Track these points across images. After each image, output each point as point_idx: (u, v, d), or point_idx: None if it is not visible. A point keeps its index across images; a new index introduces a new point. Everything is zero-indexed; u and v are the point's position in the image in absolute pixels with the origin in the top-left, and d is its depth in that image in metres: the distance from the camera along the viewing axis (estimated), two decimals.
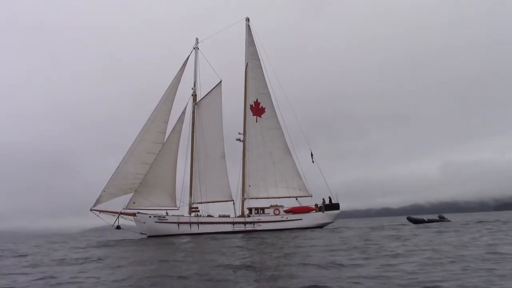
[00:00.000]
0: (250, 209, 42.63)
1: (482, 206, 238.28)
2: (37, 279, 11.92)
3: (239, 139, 44.74)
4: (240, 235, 35.18)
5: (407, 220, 49.94)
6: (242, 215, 42.57)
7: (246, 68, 45.92)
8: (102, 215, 40.52)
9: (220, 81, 45.05)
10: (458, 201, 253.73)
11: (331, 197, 43.60)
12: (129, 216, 40.69)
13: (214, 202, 43.04)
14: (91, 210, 40.27)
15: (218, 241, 26.36)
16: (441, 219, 46.30)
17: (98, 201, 40.51)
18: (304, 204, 43.87)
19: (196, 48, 45.09)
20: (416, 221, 47.29)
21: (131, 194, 41.23)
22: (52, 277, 12.14)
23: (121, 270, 13.24)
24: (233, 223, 41.21)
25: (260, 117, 45.21)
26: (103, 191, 40.59)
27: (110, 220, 40.51)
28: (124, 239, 38.00)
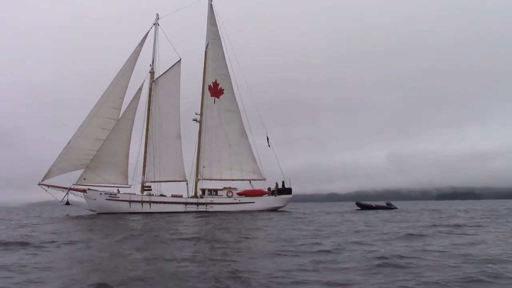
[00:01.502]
0: (203, 190, 42.62)
1: (424, 195, 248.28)
2: None
3: (195, 120, 44.41)
4: (192, 215, 35.24)
5: (356, 205, 51.42)
6: (195, 196, 42.50)
7: (206, 48, 45.38)
8: (50, 190, 39.42)
9: (180, 60, 44.34)
10: (401, 189, 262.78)
11: (284, 181, 44.22)
12: (79, 192, 39.77)
13: (167, 181, 42.77)
14: (39, 184, 39.10)
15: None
16: (389, 205, 47.85)
17: (47, 176, 39.33)
18: (257, 188, 44.31)
19: (156, 24, 44.02)
20: (364, 207, 48.81)
21: (82, 170, 40.23)
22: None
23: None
24: (186, 203, 41.11)
25: (219, 98, 44.95)
26: (53, 165, 39.41)
27: (59, 195, 39.58)
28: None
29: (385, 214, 35.18)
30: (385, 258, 9.98)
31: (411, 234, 15.71)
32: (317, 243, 13.12)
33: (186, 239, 14.88)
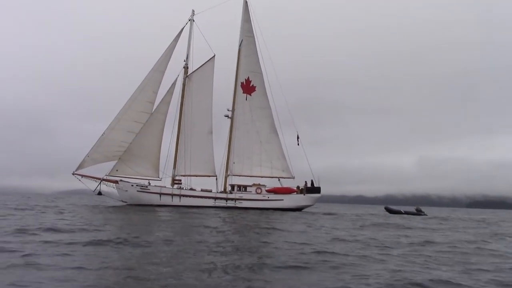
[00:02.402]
0: (232, 186, 42.90)
1: (454, 202, 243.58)
2: None
3: (227, 116, 44.70)
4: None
5: (385, 210, 50.84)
6: (224, 191, 42.80)
7: (240, 45, 45.61)
8: (83, 179, 40.36)
9: (214, 56, 44.59)
10: (431, 195, 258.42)
11: (313, 180, 44.09)
12: (111, 183, 40.57)
13: (197, 176, 43.13)
14: (73, 174, 40.04)
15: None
16: (418, 211, 47.10)
17: (80, 166, 40.27)
18: (286, 186, 44.32)
19: (191, 20, 44.44)
20: (393, 212, 48.19)
21: (115, 162, 41.01)
22: None
23: None
24: (215, 198, 41.42)
25: (250, 95, 45.15)
26: (87, 156, 40.34)
27: (91, 185, 40.45)
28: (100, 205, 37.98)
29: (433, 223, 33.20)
30: None
31: None
32: None
33: None
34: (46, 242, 11.29)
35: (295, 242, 13.23)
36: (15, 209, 27.53)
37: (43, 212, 24.48)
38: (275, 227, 19.13)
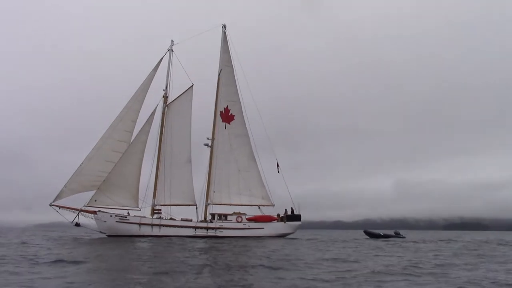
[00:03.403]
0: (213, 215, 42.80)
1: (431, 225, 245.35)
2: None
3: (207, 144, 44.86)
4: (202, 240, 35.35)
5: (364, 234, 51.29)
6: (205, 220, 42.65)
7: (219, 75, 46.17)
8: (61, 211, 39.78)
9: (192, 85, 45.00)
10: (408, 218, 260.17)
11: (293, 208, 44.30)
12: (90, 214, 40.08)
13: (177, 205, 42.98)
14: (50, 205, 39.47)
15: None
16: (397, 235, 47.71)
17: (58, 197, 39.76)
18: (266, 213, 44.38)
19: (170, 50, 44.91)
20: (372, 235, 48.70)
21: (93, 192, 40.59)
22: None
23: None
24: (195, 227, 41.21)
25: (229, 124, 45.55)
26: (65, 186, 39.87)
27: (69, 216, 39.89)
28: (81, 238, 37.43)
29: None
30: None
31: None
32: None
33: None
34: None
35: None
36: None
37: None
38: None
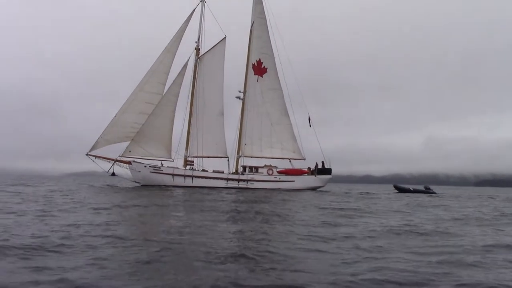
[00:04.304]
0: (244, 167, 43.30)
1: (462, 181, 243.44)
2: None
3: (239, 97, 44.88)
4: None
5: (394, 188, 51.24)
6: (236, 172, 43.25)
7: (251, 27, 45.50)
8: (97, 160, 40.94)
9: (225, 37, 44.53)
10: (439, 174, 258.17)
11: (324, 162, 44.41)
12: (124, 164, 41.10)
13: (209, 157, 43.54)
14: (87, 154, 40.64)
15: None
16: (427, 189, 47.32)
17: (94, 147, 40.85)
18: (297, 167, 44.67)
19: (202, 1, 44.28)
20: (402, 190, 48.61)
21: (128, 143, 41.48)
22: None
23: None
24: (227, 179, 41.90)
25: (262, 76, 45.19)
26: (100, 137, 40.90)
27: (104, 166, 41.09)
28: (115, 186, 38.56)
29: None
30: None
31: None
32: None
33: None
34: None
35: None
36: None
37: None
38: None
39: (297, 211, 18.05)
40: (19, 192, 24.98)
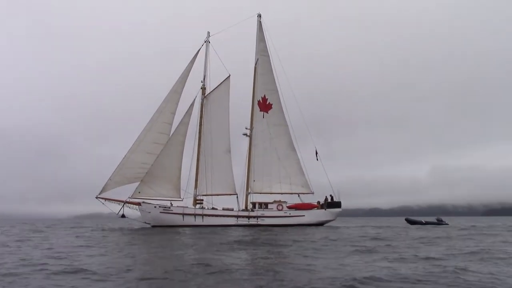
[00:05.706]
0: (254, 204, 43.20)
1: (470, 211, 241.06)
2: None
3: (245, 134, 45.28)
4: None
5: (405, 221, 50.80)
6: (246, 209, 43.12)
7: (255, 64, 46.40)
8: (107, 203, 40.89)
9: (229, 76, 45.42)
10: (446, 204, 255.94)
11: (333, 195, 44.30)
12: (134, 205, 41.03)
13: (218, 195, 43.47)
14: (97, 197, 40.58)
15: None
16: (440, 221, 46.85)
17: (104, 189, 40.81)
18: (305, 201, 44.52)
19: (207, 42, 45.32)
20: (414, 223, 48.16)
21: (137, 184, 41.54)
22: None
23: None
24: (237, 216, 41.72)
25: (267, 113, 45.75)
26: (109, 179, 40.89)
27: (114, 208, 40.97)
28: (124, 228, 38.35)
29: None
30: None
31: None
32: None
33: None
34: None
35: None
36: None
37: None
38: None
39: None
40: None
